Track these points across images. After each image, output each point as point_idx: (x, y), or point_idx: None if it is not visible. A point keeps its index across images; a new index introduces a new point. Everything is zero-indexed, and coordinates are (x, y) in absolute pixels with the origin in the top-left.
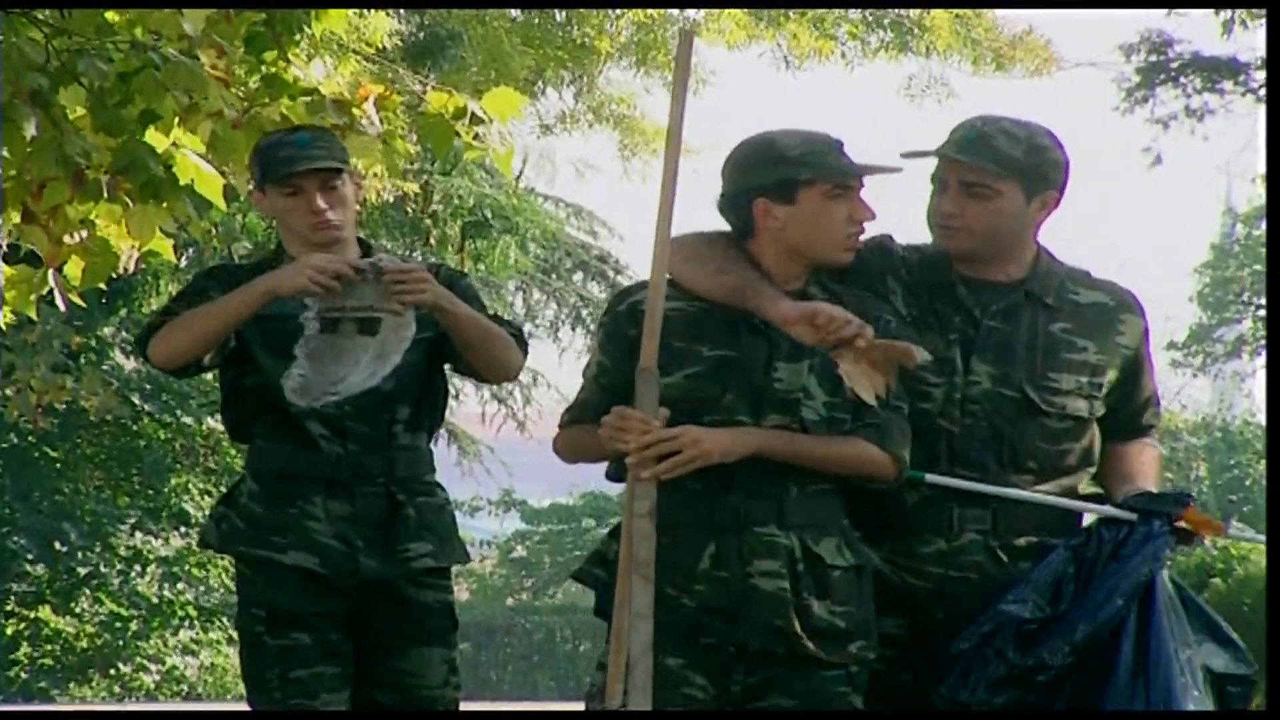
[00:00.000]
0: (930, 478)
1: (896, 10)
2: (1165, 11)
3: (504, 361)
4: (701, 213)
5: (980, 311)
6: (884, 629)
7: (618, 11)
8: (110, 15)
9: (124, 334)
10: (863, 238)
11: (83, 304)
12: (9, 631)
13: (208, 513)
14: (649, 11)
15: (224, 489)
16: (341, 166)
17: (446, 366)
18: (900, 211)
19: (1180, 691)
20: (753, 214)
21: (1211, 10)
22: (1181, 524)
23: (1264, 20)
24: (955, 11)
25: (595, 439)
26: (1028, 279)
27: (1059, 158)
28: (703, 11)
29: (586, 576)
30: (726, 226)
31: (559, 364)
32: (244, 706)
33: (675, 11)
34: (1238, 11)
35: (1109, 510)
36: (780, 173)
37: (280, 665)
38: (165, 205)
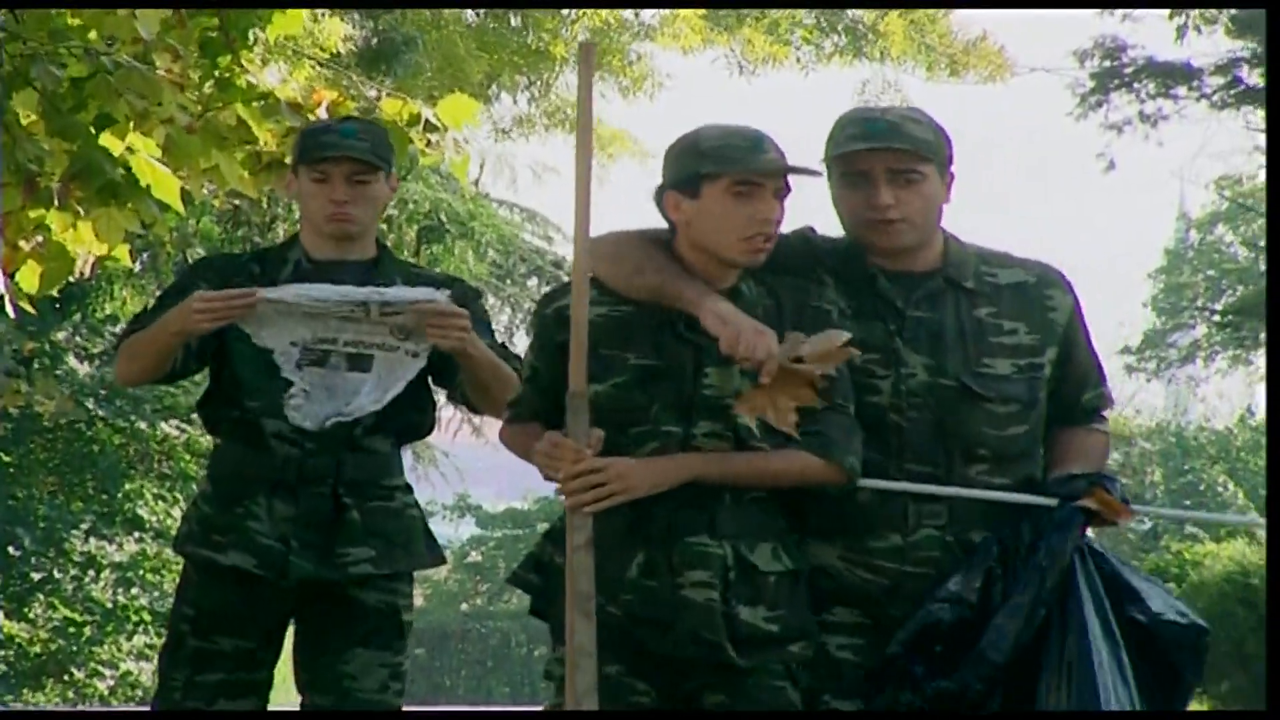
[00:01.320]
0: (864, 481)
1: (850, 16)
2: (1120, 16)
3: (497, 404)
4: (655, 218)
5: (903, 303)
6: (849, 619)
7: (572, 16)
8: (64, 20)
9: (78, 339)
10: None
11: (33, 310)
12: None
13: (161, 518)
14: (603, 17)
15: (178, 494)
16: (375, 162)
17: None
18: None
19: (1104, 691)
20: (665, 208)
21: (1166, 15)
22: (1089, 504)
23: (1219, 26)
24: (909, 18)
25: (532, 442)
26: (944, 265)
27: (948, 138)
28: (657, 16)
29: (521, 582)
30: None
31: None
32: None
33: (630, 16)
34: (1191, 17)
35: (1025, 498)
36: (689, 166)
37: (190, 667)
38: (130, 207)
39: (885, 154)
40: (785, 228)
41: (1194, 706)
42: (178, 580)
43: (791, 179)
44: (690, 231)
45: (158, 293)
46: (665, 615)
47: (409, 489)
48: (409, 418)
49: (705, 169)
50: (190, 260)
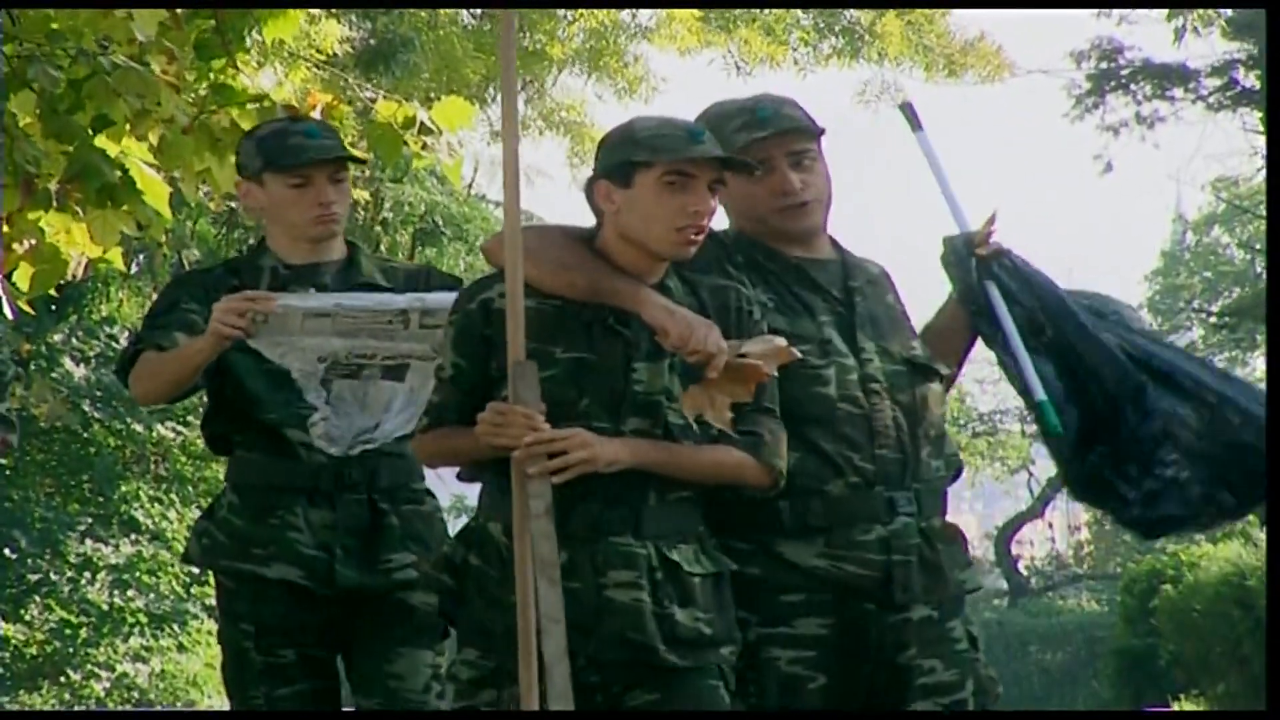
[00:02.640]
0: None
1: (848, 17)
2: (1117, 18)
3: None
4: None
5: (838, 290)
6: (809, 630)
7: (569, 18)
8: (61, 21)
9: (74, 341)
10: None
11: (30, 311)
12: None
13: (157, 520)
14: (601, 19)
15: (174, 496)
16: (355, 157)
17: None
18: None
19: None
20: (595, 198)
21: (1164, 16)
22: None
23: (1216, 28)
24: (907, 18)
25: (459, 441)
26: (843, 255)
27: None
28: (654, 17)
29: (432, 581)
30: None
31: None
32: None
33: (627, 17)
34: (1190, 18)
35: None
36: (622, 154)
37: (266, 683)
38: (126, 209)
39: (784, 138)
40: None
41: (1190, 707)
42: (217, 593)
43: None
44: (619, 221)
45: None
46: (588, 619)
47: (431, 494)
48: None
49: (638, 157)
50: (186, 263)
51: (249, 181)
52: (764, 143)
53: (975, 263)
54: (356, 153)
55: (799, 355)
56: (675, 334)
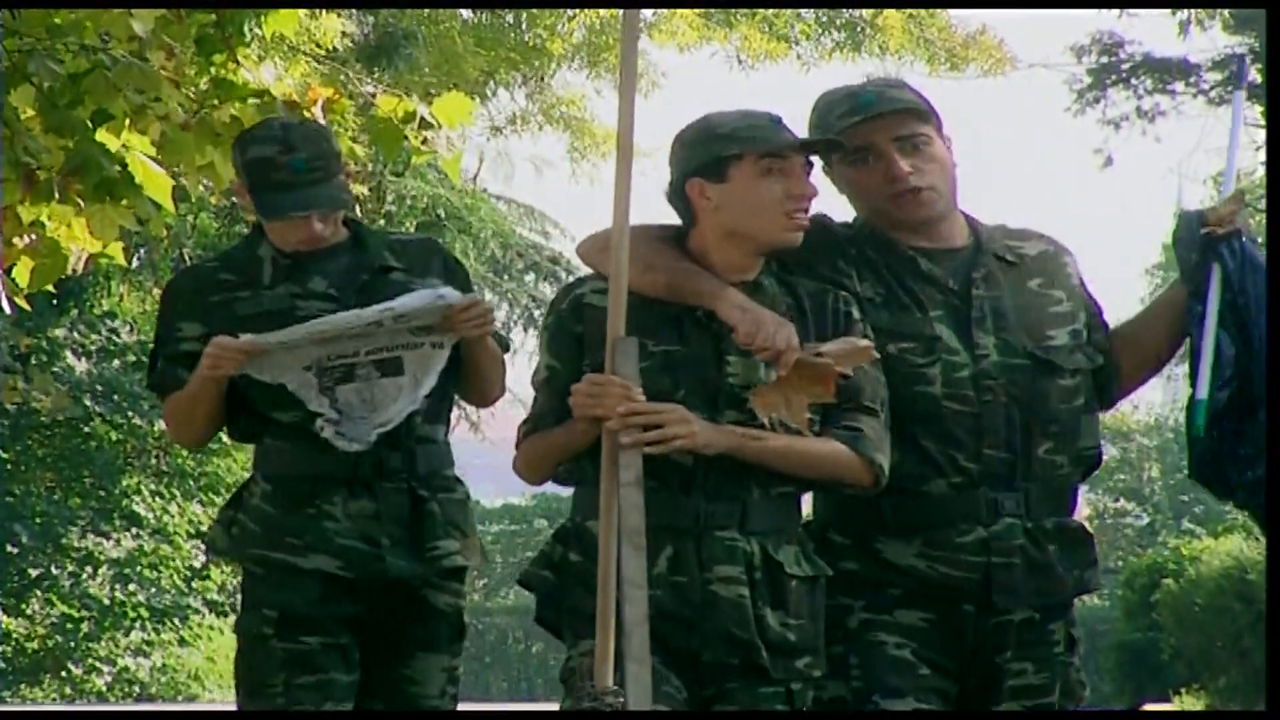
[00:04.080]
0: None
1: (849, 11)
2: (1118, 12)
3: (493, 390)
4: (651, 213)
5: (954, 281)
6: (909, 621)
7: (570, 13)
8: (60, 16)
9: (75, 335)
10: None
11: (27, 307)
12: None
13: (158, 514)
14: (601, 14)
15: (175, 490)
16: (338, 207)
17: None
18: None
19: None
20: (689, 198)
21: (1167, 11)
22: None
23: (1218, 22)
24: (909, 12)
25: (555, 436)
26: (979, 241)
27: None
28: (654, 13)
29: (532, 579)
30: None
31: (511, 365)
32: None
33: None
34: (1194, 11)
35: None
36: (711, 150)
37: (285, 670)
38: (125, 204)
39: (887, 121)
40: None
41: (1191, 703)
42: (243, 582)
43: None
44: (720, 218)
45: (154, 291)
46: (693, 613)
47: (460, 481)
48: (447, 406)
49: (729, 151)
50: (186, 258)
51: (240, 185)
52: (866, 127)
53: (1204, 241)
54: (338, 198)
55: (877, 355)
56: (744, 330)
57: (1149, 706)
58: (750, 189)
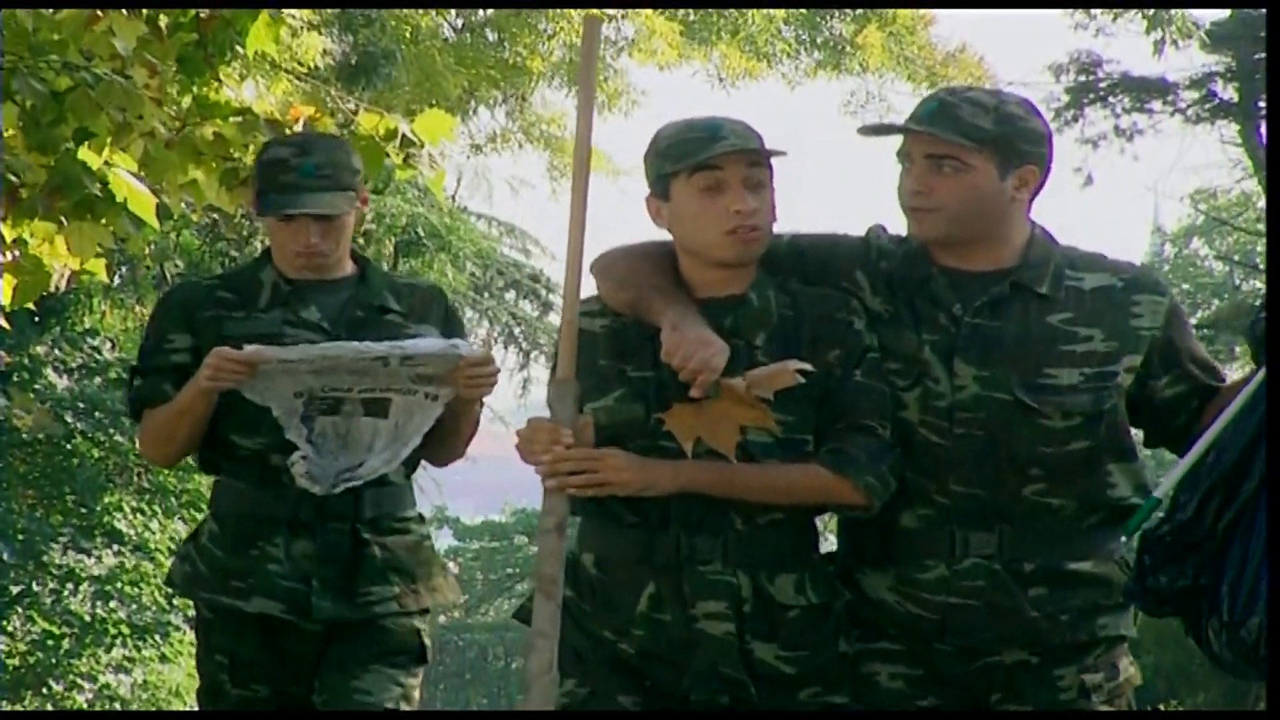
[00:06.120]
0: None
1: (830, 29)
2: (1095, 31)
3: (459, 453)
4: (628, 232)
5: (962, 308)
6: (900, 648)
7: (549, 31)
8: (43, 34)
9: (57, 352)
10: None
11: (7, 325)
12: None
13: (140, 531)
14: (581, 31)
15: (157, 507)
16: (341, 212)
17: None
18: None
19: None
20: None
21: (1143, 29)
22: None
23: (1194, 41)
24: (889, 30)
25: None
26: (1018, 268)
27: (1036, 128)
28: (635, 31)
29: (527, 615)
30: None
31: None
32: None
33: (608, 32)
34: (1169, 31)
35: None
36: (654, 168)
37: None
38: (104, 222)
39: (923, 138)
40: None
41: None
42: (196, 621)
43: (777, 169)
44: (675, 235)
45: (136, 308)
46: (679, 652)
47: (422, 519)
48: (420, 453)
49: (665, 169)
50: (168, 275)
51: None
52: (911, 136)
53: (1263, 323)
54: (337, 205)
55: (800, 379)
56: (665, 349)
57: None
58: (688, 208)
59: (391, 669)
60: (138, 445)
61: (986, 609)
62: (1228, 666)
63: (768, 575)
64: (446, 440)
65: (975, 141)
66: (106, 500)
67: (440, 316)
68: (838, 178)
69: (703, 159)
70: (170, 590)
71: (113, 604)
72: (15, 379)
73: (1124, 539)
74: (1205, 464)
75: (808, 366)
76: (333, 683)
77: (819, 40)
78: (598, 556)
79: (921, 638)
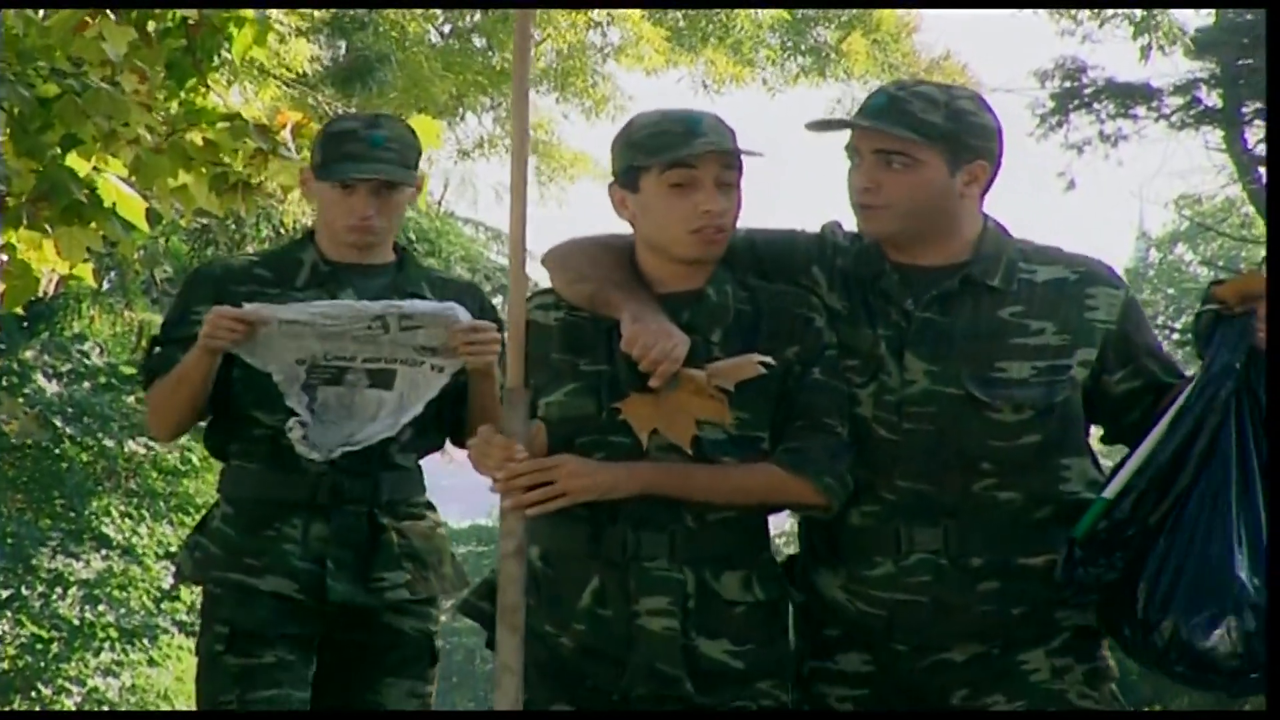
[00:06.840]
0: None
1: (815, 36)
2: (1081, 37)
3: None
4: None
5: (913, 303)
6: (852, 667)
7: (536, 37)
8: (32, 41)
9: (46, 357)
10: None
11: None
12: None
13: (128, 535)
14: (568, 38)
15: (145, 512)
16: (405, 180)
17: None
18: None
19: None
20: (615, 204)
21: (1130, 34)
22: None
23: (1179, 47)
24: (873, 37)
25: None
26: (969, 262)
27: (986, 123)
28: (621, 38)
29: (473, 610)
30: None
31: None
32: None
33: (595, 38)
34: (1155, 37)
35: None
36: (624, 158)
37: (239, 686)
38: (94, 226)
39: (871, 134)
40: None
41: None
42: (202, 606)
43: (761, 176)
44: (639, 228)
45: (125, 313)
46: (618, 650)
47: (433, 507)
48: (433, 440)
49: (638, 161)
50: (157, 280)
51: (309, 168)
52: (858, 131)
53: (1212, 314)
54: (404, 175)
55: (763, 370)
56: (625, 339)
57: None
58: (656, 203)
59: (408, 679)
60: (147, 419)
61: (934, 605)
62: (1150, 666)
63: (714, 572)
64: (474, 418)
65: (926, 137)
66: (95, 505)
67: (474, 311)
68: (820, 185)
69: (679, 156)
70: (159, 594)
71: (101, 608)
72: (4, 384)
73: (1072, 536)
74: (1147, 462)
75: (770, 360)
76: (346, 695)
77: (804, 46)
78: (544, 550)
79: (873, 637)
